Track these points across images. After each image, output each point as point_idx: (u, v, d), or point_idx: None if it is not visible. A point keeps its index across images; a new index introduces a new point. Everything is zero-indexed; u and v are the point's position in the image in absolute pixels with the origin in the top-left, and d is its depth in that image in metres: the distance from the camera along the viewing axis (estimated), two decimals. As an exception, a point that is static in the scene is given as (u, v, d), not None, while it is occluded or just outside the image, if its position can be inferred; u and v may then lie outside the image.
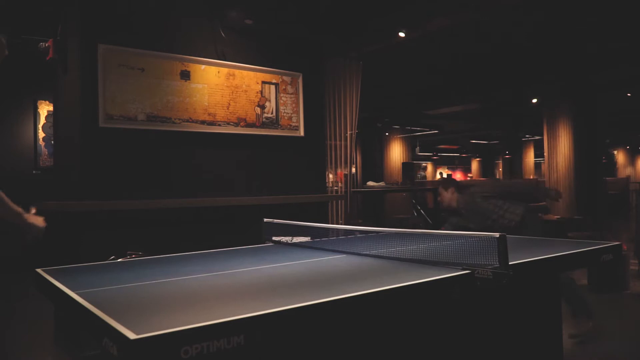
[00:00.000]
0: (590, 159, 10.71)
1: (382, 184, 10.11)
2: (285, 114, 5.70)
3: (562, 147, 10.74)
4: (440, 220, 9.18)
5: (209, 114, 5.11)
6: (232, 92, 5.28)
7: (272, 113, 5.60)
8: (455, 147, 25.34)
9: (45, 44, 4.57)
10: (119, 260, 2.97)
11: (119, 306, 1.64)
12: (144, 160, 4.74)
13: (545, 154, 11.13)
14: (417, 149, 21.29)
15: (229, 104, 5.25)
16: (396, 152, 15.53)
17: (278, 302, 1.58)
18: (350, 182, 7.28)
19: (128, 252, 3.35)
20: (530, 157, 20.39)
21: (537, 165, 22.20)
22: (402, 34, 6.45)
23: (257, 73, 5.49)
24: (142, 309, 1.64)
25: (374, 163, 15.20)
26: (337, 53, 6.81)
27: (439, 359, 2.18)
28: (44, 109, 7.59)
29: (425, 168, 26.98)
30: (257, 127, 5.47)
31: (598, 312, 3.93)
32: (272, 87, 5.61)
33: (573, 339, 3.61)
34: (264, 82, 5.54)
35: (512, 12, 6.84)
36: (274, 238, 3.42)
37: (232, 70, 5.28)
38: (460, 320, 2.22)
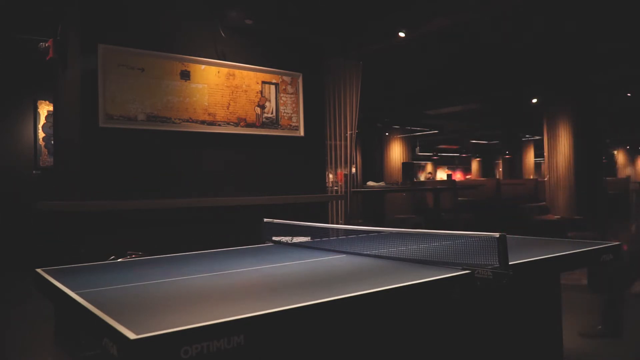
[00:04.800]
0: (590, 159, 10.71)
1: (382, 184, 10.11)
2: (285, 114, 5.70)
3: (562, 147, 10.75)
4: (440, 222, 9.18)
5: (209, 114, 5.11)
6: (232, 92, 5.28)
7: (272, 113, 5.60)
8: (455, 147, 25.34)
9: (45, 44, 4.57)
10: (119, 260, 2.97)
11: (118, 306, 1.65)
12: (144, 160, 4.74)
13: (545, 154, 11.13)
14: (417, 149, 21.29)
15: (229, 104, 5.25)
16: (396, 152, 15.53)
17: (278, 302, 1.58)
18: (350, 182, 7.28)
19: (128, 252, 3.35)
20: (530, 157, 20.36)
21: (537, 165, 22.19)
22: (402, 34, 6.46)
23: (257, 73, 5.49)
24: (142, 309, 1.64)
25: (374, 163, 15.20)
26: (337, 53, 6.81)
27: (439, 359, 2.18)
28: (44, 109, 7.60)
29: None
30: (257, 127, 5.47)
31: (598, 312, 3.92)
32: (272, 87, 5.61)
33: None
34: (264, 82, 5.54)
35: (512, 12, 6.84)
36: (274, 238, 3.42)
37: (232, 70, 5.28)
38: (460, 320, 2.22)
